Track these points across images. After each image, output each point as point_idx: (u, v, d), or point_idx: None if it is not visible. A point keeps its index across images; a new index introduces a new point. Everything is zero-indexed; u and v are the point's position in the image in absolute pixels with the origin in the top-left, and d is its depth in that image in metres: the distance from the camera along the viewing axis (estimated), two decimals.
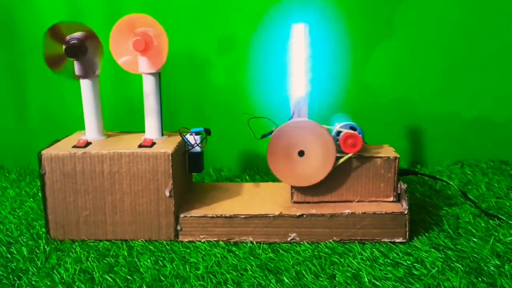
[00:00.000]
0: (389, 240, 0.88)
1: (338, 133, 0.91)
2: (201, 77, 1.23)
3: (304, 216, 0.88)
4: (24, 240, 0.90)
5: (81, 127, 1.01)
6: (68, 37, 0.88)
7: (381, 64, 1.20)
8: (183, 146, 0.95)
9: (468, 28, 1.19)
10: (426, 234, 0.89)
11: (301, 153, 0.89)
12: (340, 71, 1.19)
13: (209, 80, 1.23)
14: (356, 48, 1.20)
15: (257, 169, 1.26)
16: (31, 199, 1.08)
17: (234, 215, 0.88)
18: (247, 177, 1.21)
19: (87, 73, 0.91)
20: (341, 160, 0.89)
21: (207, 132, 0.97)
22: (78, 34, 0.89)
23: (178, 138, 0.95)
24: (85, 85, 0.93)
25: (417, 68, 1.21)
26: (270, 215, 0.88)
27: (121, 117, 1.24)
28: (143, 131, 0.98)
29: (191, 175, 1.06)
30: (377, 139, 1.01)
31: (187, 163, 0.97)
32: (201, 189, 1.01)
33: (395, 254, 0.83)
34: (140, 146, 0.90)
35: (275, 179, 1.21)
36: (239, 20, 1.20)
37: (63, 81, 1.24)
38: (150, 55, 0.88)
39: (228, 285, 0.75)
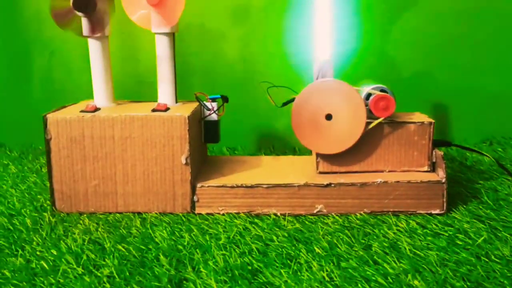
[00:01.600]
0: (425, 212, 0.81)
1: (368, 96, 0.84)
2: (213, 49, 1.16)
3: (332, 185, 0.81)
4: (28, 212, 0.82)
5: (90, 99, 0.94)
6: None
7: (403, 35, 1.14)
8: (199, 113, 0.89)
9: None
10: (464, 206, 0.82)
11: (328, 117, 0.82)
12: (359, 42, 1.12)
13: (222, 52, 1.16)
14: (377, 17, 1.13)
15: (273, 148, 1.19)
16: (34, 175, 1.01)
17: (255, 184, 0.81)
18: (263, 156, 1.14)
19: (96, 31, 0.84)
20: (372, 124, 0.82)
21: (224, 99, 0.90)
22: None
23: (193, 105, 0.88)
24: (94, 45, 0.86)
25: (441, 40, 1.14)
26: (294, 185, 0.81)
27: (131, 88, 1.17)
28: (156, 101, 0.91)
29: (206, 147, 0.99)
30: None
31: (202, 132, 0.90)
32: (217, 162, 0.94)
33: (433, 225, 0.76)
34: (153, 110, 0.83)
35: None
36: None
37: (68, 51, 1.17)
38: (164, 10, 0.81)
39: (253, 255, 0.68)
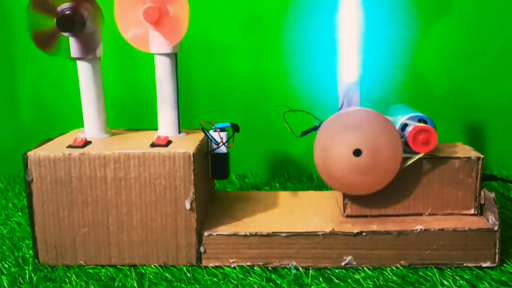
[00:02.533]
0: (473, 265, 0.68)
1: (404, 126, 0.72)
2: (220, 65, 1.04)
3: (364, 234, 0.68)
4: (6, 266, 0.70)
5: (81, 124, 0.82)
6: (59, 7, 0.69)
7: (436, 47, 1.01)
8: (206, 145, 0.77)
9: None
10: None
11: (357, 153, 0.70)
12: (388, 55, 1.00)
13: (230, 68, 1.04)
14: (407, 27, 1.00)
15: (288, 175, 1.06)
16: (19, 213, 0.89)
17: (273, 232, 0.69)
18: (277, 185, 1.02)
19: (86, 52, 0.72)
20: (410, 161, 0.70)
21: (235, 128, 0.78)
22: (71, 2, 0.70)
23: (198, 136, 0.76)
24: (83, 68, 0.74)
25: (478, 52, 1.02)
26: (319, 233, 0.69)
27: (127, 113, 1.05)
28: (155, 129, 0.79)
29: (214, 183, 0.87)
30: None
31: (210, 167, 0.78)
32: (226, 200, 0.82)
33: (486, 284, 0.64)
34: (153, 145, 0.71)
35: (310, 187, 1.04)
36: None
37: (59, 69, 1.05)
38: (165, 28, 0.69)
39: None
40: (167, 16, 0.68)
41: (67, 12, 0.68)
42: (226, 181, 1.04)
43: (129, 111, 1.06)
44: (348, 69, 0.77)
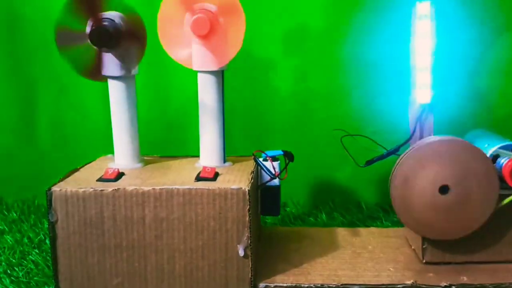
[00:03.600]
0: None
1: (495, 158, 0.61)
2: (260, 83, 0.93)
3: (453, 287, 0.57)
4: None
5: (107, 150, 0.72)
6: (101, 14, 0.59)
7: (503, 65, 0.90)
8: (257, 178, 0.66)
9: None
10: None
11: (444, 189, 0.59)
12: (456, 73, 0.89)
13: (271, 87, 0.93)
14: (487, 43, 0.88)
15: (333, 204, 0.95)
16: (36, 250, 0.78)
17: (342, 285, 0.58)
18: (323, 215, 0.91)
19: (121, 70, 0.62)
20: (506, 201, 0.59)
21: (288, 156, 0.68)
22: (114, 14, 0.60)
23: (247, 167, 0.65)
24: (116, 89, 0.64)
25: None
26: (398, 286, 0.58)
27: (157, 131, 0.95)
28: (189, 155, 0.69)
29: (260, 218, 0.76)
30: None
31: (259, 201, 0.68)
32: (275, 238, 0.71)
33: None
34: (198, 178, 0.60)
35: (361, 218, 0.93)
36: (314, 5, 0.90)
37: (82, 84, 0.94)
38: (214, 44, 0.58)
39: None
40: (217, 29, 0.58)
41: (105, 24, 0.58)
42: None
43: (156, 133, 0.96)
44: (422, 89, 0.67)
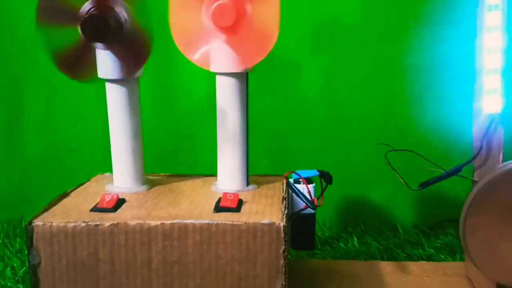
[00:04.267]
0: None
1: None
2: (285, 87, 0.81)
3: None
4: None
5: (105, 161, 0.60)
6: (83, 7, 0.47)
7: None
8: (289, 206, 0.54)
9: None
10: None
11: None
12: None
13: (296, 92, 0.81)
14: None
15: (364, 226, 0.83)
16: (20, 285, 0.66)
17: None
18: (355, 240, 0.78)
19: (124, 70, 0.50)
20: None
21: (326, 178, 0.55)
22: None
23: (275, 190, 0.53)
24: (115, 94, 0.52)
25: None
26: None
27: (162, 141, 0.83)
28: (201, 173, 0.57)
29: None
30: None
31: (291, 234, 0.55)
32: (308, 274, 0.59)
33: None
34: (218, 208, 0.48)
35: (397, 243, 0.79)
36: None
37: (74, 86, 0.82)
38: (242, 36, 0.46)
39: None
40: (245, 20, 0.46)
41: (94, 12, 0.46)
42: None
43: (162, 144, 0.84)
44: (490, 95, 0.55)
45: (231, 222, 0.45)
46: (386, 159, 0.59)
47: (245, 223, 0.45)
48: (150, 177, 0.59)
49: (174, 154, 0.83)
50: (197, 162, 0.78)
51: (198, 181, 0.58)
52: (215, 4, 0.44)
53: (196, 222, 0.45)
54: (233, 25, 0.45)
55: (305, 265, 0.62)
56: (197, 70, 0.53)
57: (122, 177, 0.54)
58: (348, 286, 0.56)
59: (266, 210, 0.48)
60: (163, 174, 0.61)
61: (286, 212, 0.48)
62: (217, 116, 0.54)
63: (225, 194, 0.50)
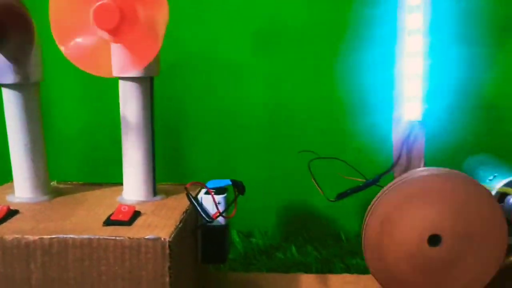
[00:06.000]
0: None
1: (502, 197, 0.47)
2: (227, 91, 0.78)
3: None
4: None
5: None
6: None
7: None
8: (191, 218, 0.51)
9: None
10: None
11: (434, 240, 0.44)
12: (461, 81, 0.73)
13: (239, 94, 0.79)
14: (499, 46, 0.74)
15: (307, 235, 0.81)
16: None
17: None
18: (293, 248, 0.76)
19: (15, 76, 0.48)
20: None
21: (238, 188, 0.53)
22: None
23: (182, 201, 0.51)
24: (11, 100, 0.49)
25: None
26: None
27: (95, 143, 0.80)
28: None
29: (203, 268, 0.61)
30: None
31: (199, 247, 0.53)
32: None
33: None
34: (108, 221, 0.45)
35: (338, 253, 0.76)
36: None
37: None
38: (130, 38, 0.44)
39: None
40: (135, 22, 0.43)
41: None
42: None
43: (92, 152, 0.81)
44: (410, 101, 0.52)
45: (113, 238, 0.42)
46: (309, 167, 0.57)
47: (129, 238, 0.42)
48: (61, 186, 0.57)
49: (97, 160, 0.80)
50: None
51: (108, 191, 0.55)
52: (96, 5, 0.41)
53: (77, 237, 0.42)
54: (117, 27, 0.42)
55: (223, 279, 0.60)
56: None
57: (22, 186, 0.51)
58: None
59: (160, 224, 0.45)
60: (76, 182, 0.59)
61: (180, 225, 0.45)
62: (121, 123, 0.51)
63: (119, 206, 0.47)
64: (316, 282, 0.58)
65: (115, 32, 0.42)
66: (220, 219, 0.51)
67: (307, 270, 0.70)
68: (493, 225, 0.44)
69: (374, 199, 0.49)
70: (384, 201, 0.46)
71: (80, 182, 0.59)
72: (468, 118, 0.71)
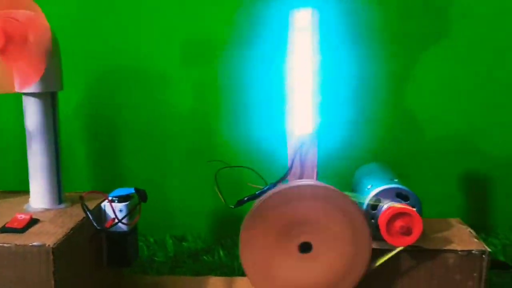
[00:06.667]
0: None
1: (374, 207, 0.50)
2: (154, 101, 0.81)
3: None
4: None
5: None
6: None
7: (427, 83, 0.79)
8: (87, 224, 0.54)
9: None
10: None
11: (305, 247, 0.47)
12: (365, 94, 0.77)
13: (167, 104, 0.82)
14: (389, 57, 0.78)
15: (237, 238, 0.83)
16: None
17: None
18: (221, 252, 0.79)
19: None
20: (382, 259, 0.47)
21: (141, 195, 0.56)
22: None
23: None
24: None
25: (483, 88, 0.79)
26: None
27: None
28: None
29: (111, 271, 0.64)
30: (425, 197, 0.58)
31: (105, 252, 0.56)
32: None
33: None
34: (3, 229, 0.48)
35: None
36: (213, 16, 0.79)
37: None
38: (16, 58, 0.46)
39: None
40: (23, 42, 0.46)
41: None
42: (157, 248, 0.81)
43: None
44: (300, 117, 0.55)
45: (1, 244, 0.45)
46: (215, 177, 0.60)
47: (16, 245, 0.45)
48: None
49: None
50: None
51: (20, 199, 0.58)
52: None
53: None
54: (4, 47, 0.45)
55: (137, 282, 0.63)
56: None
57: None
58: None
59: (52, 231, 0.48)
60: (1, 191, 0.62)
61: (71, 232, 0.48)
62: (26, 135, 0.54)
63: (17, 214, 0.50)
64: (222, 285, 0.61)
65: (2, 52, 0.45)
66: (122, 226, 0.55)
67: (230, 273, 0.73)
68: (355, 234, 0.46)
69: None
70: (254, 212, 0.49)
71: (5, 191, 0.62)
72: (362, 128, 0.76)
